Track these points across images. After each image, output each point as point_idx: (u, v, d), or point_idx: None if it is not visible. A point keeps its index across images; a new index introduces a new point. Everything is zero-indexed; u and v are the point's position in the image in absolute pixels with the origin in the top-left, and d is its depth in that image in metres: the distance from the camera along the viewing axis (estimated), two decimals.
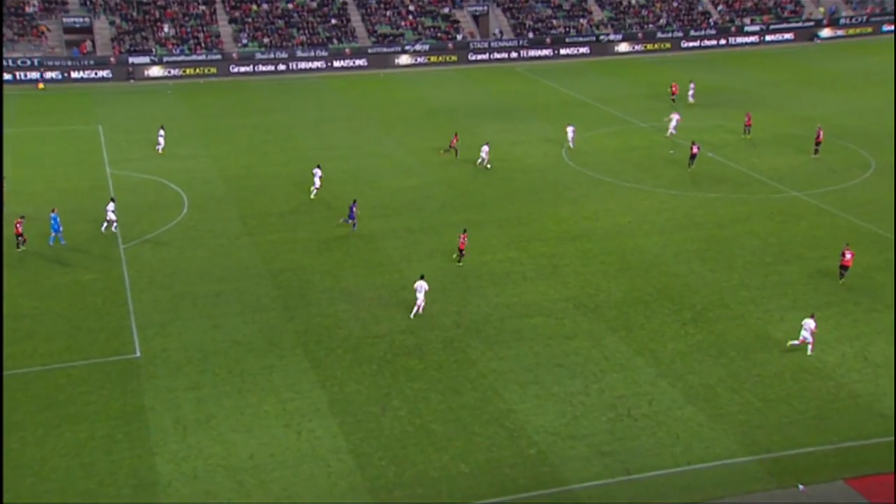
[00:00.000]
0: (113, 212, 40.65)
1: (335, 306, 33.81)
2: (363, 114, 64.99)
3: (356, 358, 30.05)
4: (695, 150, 49.90)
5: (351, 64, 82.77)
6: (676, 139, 55.19)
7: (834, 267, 36.17)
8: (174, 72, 78.86)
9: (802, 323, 30.01)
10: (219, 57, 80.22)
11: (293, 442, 25.54)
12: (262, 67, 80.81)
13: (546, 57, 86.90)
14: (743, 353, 30.02)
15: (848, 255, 34.95)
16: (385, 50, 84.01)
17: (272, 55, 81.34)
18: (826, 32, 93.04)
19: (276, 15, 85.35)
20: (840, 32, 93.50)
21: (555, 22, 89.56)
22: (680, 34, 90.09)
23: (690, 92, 66.65)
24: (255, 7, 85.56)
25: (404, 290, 35.00)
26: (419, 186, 47.70)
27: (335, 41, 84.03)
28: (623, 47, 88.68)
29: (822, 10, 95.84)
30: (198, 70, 79.23)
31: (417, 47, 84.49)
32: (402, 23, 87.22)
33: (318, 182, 45.75)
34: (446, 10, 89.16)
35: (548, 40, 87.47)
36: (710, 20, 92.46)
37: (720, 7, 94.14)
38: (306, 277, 36.38)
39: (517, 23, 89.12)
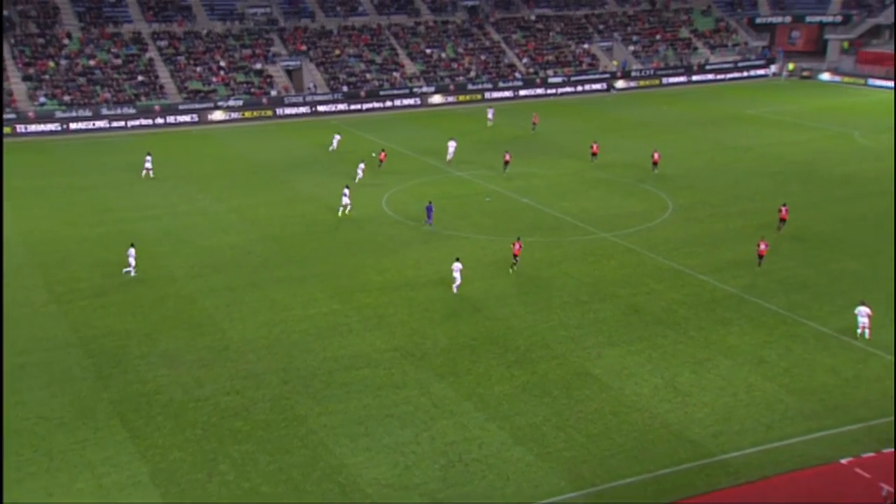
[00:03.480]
0: (133, 257, 41.58)
1: (154, 371, 32.29)
2: (176, 171, 63.03)
3: (178, 424, 28.76)
4: (507, 157, 61.51)
5: (161, 121, 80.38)
6: (460, 175, 57.12)
7: (643, 303, 38.53)
8: None
9: (856, 311, 34.48)
10: (13, 116, 75.67)
11: None
12: (63, 126, 76.92)
13: (361, 110, 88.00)
14: (565, 391, 31.13)
15: (763, 246, 41.82)
16: (197, 106, 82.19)
17: (74, 113, 77.67)
18: (620, 84, 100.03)
19: (76, 72, 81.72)
20: (633, 84, 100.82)
21: (368, 76, 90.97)
22: (489, 85, 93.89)
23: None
24: (52, 64, 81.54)
25: (227, 350, 33.98)
26: (239, 243, 46.67)
27: (143, 98, 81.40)
28: (436, 99, 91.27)
29: (615, 63, 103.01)
30: None
31: (231, 103, 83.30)
32: (214, 78, 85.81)
33: (345, 200, 50.29)
34: (258, 66, 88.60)
35: (362, 93, 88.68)
36: (517, 72, 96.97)
37: (525, 60, 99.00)
38: (121, 343, 34.57)
39: (331, 77, 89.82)
